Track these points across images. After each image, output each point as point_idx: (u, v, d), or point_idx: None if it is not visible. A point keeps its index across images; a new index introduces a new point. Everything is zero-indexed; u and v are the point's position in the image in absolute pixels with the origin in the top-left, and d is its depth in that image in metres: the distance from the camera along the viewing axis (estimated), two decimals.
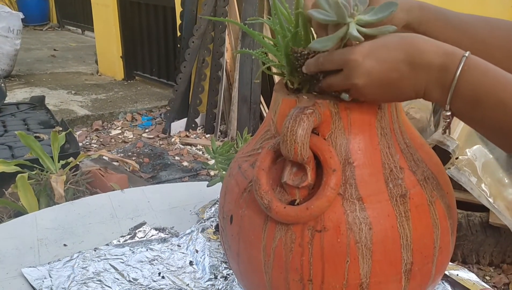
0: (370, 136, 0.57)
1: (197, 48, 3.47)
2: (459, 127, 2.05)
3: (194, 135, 3.52)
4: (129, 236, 0.92)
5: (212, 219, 0.98)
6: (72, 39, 7.07)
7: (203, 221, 0.97)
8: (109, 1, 4.58)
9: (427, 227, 0.57)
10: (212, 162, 1.72)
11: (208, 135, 3.49)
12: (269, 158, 0.58)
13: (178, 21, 3.73)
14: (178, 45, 3.74)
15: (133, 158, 3.19)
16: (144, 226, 0.93)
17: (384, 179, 0.57)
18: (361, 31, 0.52)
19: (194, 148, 3.32)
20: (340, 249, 0.54)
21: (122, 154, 3.23)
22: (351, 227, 0.54)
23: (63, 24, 7.84)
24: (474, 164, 2.08)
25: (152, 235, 0.92)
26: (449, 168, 2.05)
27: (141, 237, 0.91)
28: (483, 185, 2.04)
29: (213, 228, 0.95)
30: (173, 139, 3.45)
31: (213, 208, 1.02)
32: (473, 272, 0.90)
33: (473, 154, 2.08)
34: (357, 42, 0.53)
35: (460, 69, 0.47)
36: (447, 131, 0.52)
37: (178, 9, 3.74)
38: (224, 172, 0.88)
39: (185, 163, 3.11)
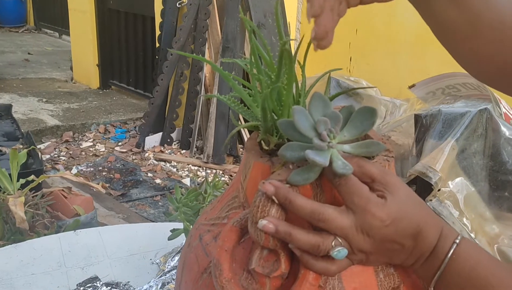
0: None
1: (176, 61, 3.36)
2: (442, 158, 1.98)
3: (169, 150, 3.39)
4: None
5: (174, 271, 0.87)
6: (48, 43, 6.87)
7: (163, 273, 0.86)
8: (87, 7, 4.43)
9: None
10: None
11: (184, 151, 3.37)
12: (234, 236, 0.48)
13: (158, 32, 3.62)
14: (156, 57, 3.62)
15: (104, 173, 3.04)
16: (94, 282, 0.82)
17: (373, 268, 0.47)
18: (347, 151, 0.46)
19: (168, 164, 3.19)
20: None
21: (92, 169, 3.08)
22: None
23: (40, 27, 7.63)
24: (456, 196, 2.02)
25: None
26: (431, 200, 1.98)
27: None
28: (464, 219, 1.97)
29: (174, 283, 0.84)
30: (146, 154, 3.32)
31: (176, 258, 0.90)
32: None
33: (456, 186, 2.01)
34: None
35: (448, 257, 0.44)
36: None
37: (158, 20, 3.62)
38: (188, 224, 0.77)
39: (157, 181, 2.98)
